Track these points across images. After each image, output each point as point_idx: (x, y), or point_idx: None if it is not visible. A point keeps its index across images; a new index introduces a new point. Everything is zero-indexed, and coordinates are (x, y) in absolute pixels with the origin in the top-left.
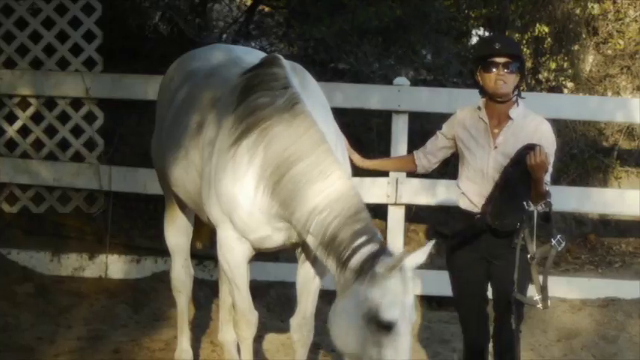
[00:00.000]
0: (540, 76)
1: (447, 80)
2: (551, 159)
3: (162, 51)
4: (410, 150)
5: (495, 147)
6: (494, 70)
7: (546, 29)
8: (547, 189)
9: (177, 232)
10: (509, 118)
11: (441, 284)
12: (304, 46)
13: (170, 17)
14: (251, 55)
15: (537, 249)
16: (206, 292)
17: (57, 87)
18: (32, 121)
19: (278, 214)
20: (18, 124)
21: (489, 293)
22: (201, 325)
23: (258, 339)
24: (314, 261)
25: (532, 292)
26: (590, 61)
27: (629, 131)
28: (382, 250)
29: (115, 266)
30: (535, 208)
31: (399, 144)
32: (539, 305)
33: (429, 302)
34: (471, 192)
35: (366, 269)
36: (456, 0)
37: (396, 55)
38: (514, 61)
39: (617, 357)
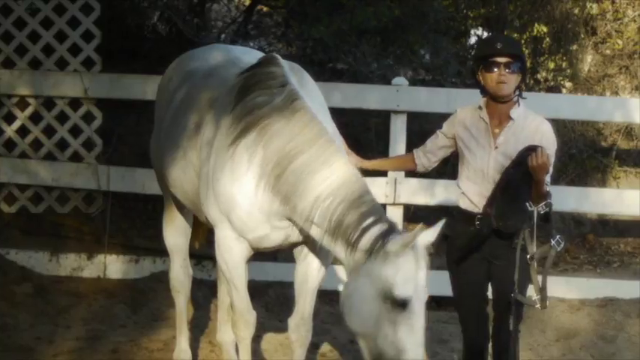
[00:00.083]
0: (539, 76)
1: (445, 80)
2: (552, 159)
3: (160, 51)
4: (409, 150)
5: (496, 147)
6: (495, 69)
7: (545, 29)
8: (547, 189)
9: (175, 232)
10: (510, 118)
11: (440, 284)
12: (303, 46)
13: (169, 17)
14: (249, 55)
15: (537, 249)
16: (204, 292)
17: (55, 87)
18: (31, 121)
19: (279, 211)
20: (17, 124)
21: (489, 293)
22: (200, 325)
23: (256, 339)
24: (315, 255)
25: (531, 292)
26: (588, 61)
27: (627, 131)
28: (391, 229)
29: (114, 266)
30: (536, 209)
31: (398, 144)
32: (538, 305)
33: (427, 302)
34: (471, 192)
35: (377, 248)
36: (454, 0)
37: (395, 55)
38: (515, 61)
39: (615, 357)
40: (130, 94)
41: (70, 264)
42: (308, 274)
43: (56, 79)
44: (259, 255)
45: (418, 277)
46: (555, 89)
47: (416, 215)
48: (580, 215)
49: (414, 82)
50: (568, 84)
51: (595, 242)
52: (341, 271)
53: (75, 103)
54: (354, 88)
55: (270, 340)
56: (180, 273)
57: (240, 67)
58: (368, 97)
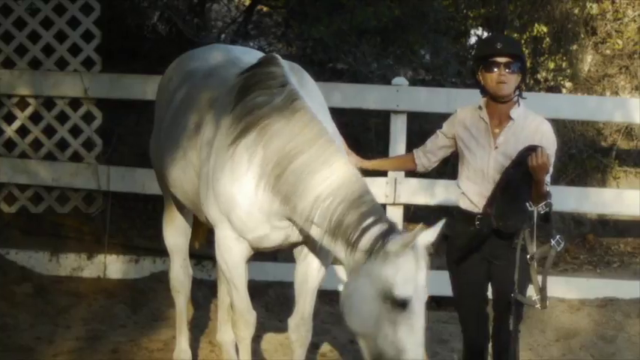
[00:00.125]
0: (539, 76)
1: (445, 80)
2: (552, 160)
3: (160, 51)
4: (408, 150)
5: (496, 147)
6: (495, 69)
7: (545, 29)
8: (547, 189)
9: (175, 232)
10: (510, 118)
11: (440, 284)
12: (303, 46)
13: (169, 17)
14: (249, 56)
15: (537, 249)
16: (204, 292)
17: (55, 87)
18: (31, 121)
19: (279, 211)
20: (17, 124)
21: (489, 293)
22: (200, 325)
23: (256, 339)
24: (315, 255)
25: (531, 292)
26: (588, 61)
27: (627, 131)
28: (391, 229)
29: (114, 266)
30: (536, 209)
31: (398, 144)
32: (538, 305)
33: (427, 302)
34: (471, 192)
35: (377, 248)
36: (454, 0)
37: (395, 55)
38: (515, 61)
39: (615, 357)
40: (130, 94)
41: (70, 264)
42: (308, 274)
43: (56, 79)
44: (259, 255)
45: (418, 277)
46: (555, 89)
47: (416, 215)
48: (580, 215)
49: (413, 82)
50: (568, 84)
51: (595, 242)
52: (341, 271)
53: (75, 103)
54: (354, 88)
55: (270, 340)
56: (181, 273)
57: (240, 67)
58: (368, 97)
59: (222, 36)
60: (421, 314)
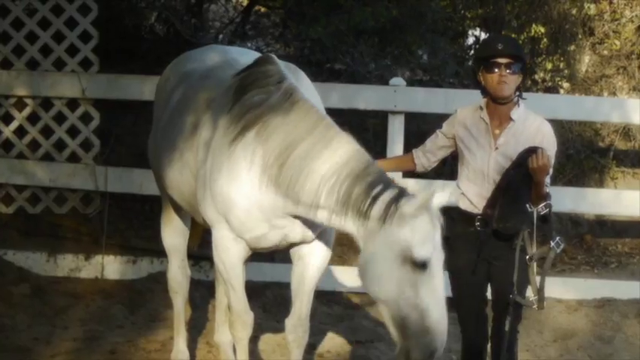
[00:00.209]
0: (536, 77)
1: (443, 81)
2: (553, 161)
3: (158, 51)
4: (406, 151)
5: (496, 148)
6: (496, 70)
7: (542, 30)
8: (547, 191)
9: (173, 233)
10: (510, 119)
11: None
12: (300, 46)
13: (166, 18)
14: (246, 56)
15: (536, 250)
16: (202, 292)
17: (53, 87)
18: (28, 122)
19: (280, 207)
20: (14, 125)
21: (488, 294)
22: (198, 325)
23: (253, 339)
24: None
25: (530, 293)
26: (586, 62)
27: (625, 132)
28: (402, 193)
29: (111, 267)
30: (536, 210)
31: (395, 144)
32: (535, 306)
33: None
34: (470, 192)
35: (391, 213)
36: (452, 0)
37: (393, 56)
38: (516, 61)
39: (613, 357)
40: (127, 94)
41: (68, 265)
42: (305, 275)
43: (54, 79)
44: (257, 256)
45: (435, 238)
46: (553, 90)
47: None
48: (577, 216)
49: (411, 83)
50: (566, 84)
51: (592, 243)
52: (339, 272)
53: (72, 103)
54: (352, 89)
55: (267, 340)
56: (178, 274)
57: (236, 68)
58: (365, 97)
59: (220, 36)
60: (441, 274)
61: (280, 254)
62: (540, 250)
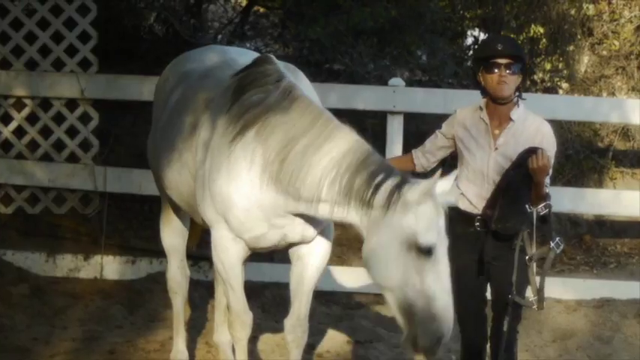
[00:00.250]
0: (535, 77)
1: (442, 81)
2: (552, 161)
3: (157, 52)
4: (405, 151)
5: (496, 148)
6: (496, 70)
7: (541, 30)
8: (547, 191)
9: (172, 233)
10: (510, 119)
11: None
12: (299, 47)
13: (165, 18)
14: (245, 57)
15: (536, 251)
16: (201, 292)
17: (52, 88)
18: (27, 122)
19: (281, 205)
20: (13, 125)
21: (488, 294)
22: (197, 325)
23: (253, 340)
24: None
25: (529, 293)
26: (585, 62)
27: (624, 132)
28: (405, 180)
29: (110, 267)
30: (535, 211)
31: (394, 145)
32: (535, 307)
33: None
34: (470, 193)
35: (394, 201)
36: (451, 1)
37: (391, 56)
38: (516, 62)
39: (612, 357)
40: (126, 94)
41: (67, 265)
42: (304, 275)
43: (53, 79)
44: (256, 256)
45: (440, 224)
46: (552, 90)
47: None
48: (577, 216)
49: (410, 83)
50: (565, 85)
51: (592, 243)
52: (338, 272)
53: (71, 103)
54: (351, 89)
55: (266, 340)
56: (178, 274)
57: (235, 68)
58: (364, 97)
59: (219, 37)
60: (446, 260)
61: (279, 254)
62: (540, 250)
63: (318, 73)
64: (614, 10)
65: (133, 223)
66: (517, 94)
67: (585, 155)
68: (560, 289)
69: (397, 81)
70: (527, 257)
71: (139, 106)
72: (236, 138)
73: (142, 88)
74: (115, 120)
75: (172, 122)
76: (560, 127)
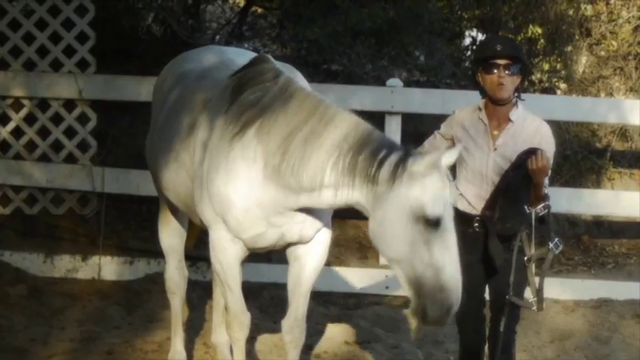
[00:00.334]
0: (533, 78)
1: (440, 81)
2: (551, 162)
3: (155, 52)
4: None
5: (495, 149)
6: (495, 71)
7: (539, 30)
8: (546, 192)
9: (171, 234)
10: (509, 120)
11: None
12: (297, 47)
13: (163, 18)
14: (243, 57)
15: (535, 251)
16: (199, 293)
17: (50, 88)
18: (25, 123)
19: (282, 199)
20: (11, 126)
21: (486, 295)
22: (195, 326)
23: (250, 340)
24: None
25: (528, 294)
26: (583, 63)
27: (622, 132)
28: (408, 154)
29: (108, 268)
30: (534, 211)
31: None
32: (534, 308)
33: None
34: (469, 194)
35: (399, 174)
36: (449, 1)
37: (389, 57)
38: (515, 62)
39: (610, 358)
40: (124, 95)
41: (65, 265)
42: (301, 275)
43: (51, 80)
44: (254, 256)
45: (446, 195)
46: (550, 91)
47: None
48: (574, 216)
49: (408, 84)
50: (563, 85)
51: (590, 243)
52: (336, 272)
53: (69, 104)
54: (349, 90)
55: (264, 341)
56: (176, 274)
57: (233, 68)
58: (362, 98)
59: (217, 37)
60: (453, 231)
61: (277, 255)
62: (539, 251)
63: (316, 74)
64: (612, 11)
65: (130, 224)
66: (516, 94)
67: (583, 156)
68: (558, 289)
69: (395, 81)
70: (525, 258)
71: (136, 107)
72: (236, 137)
73: (140, 89)
74: (112, 120)
75: (170, 123)
76: (558, 128)
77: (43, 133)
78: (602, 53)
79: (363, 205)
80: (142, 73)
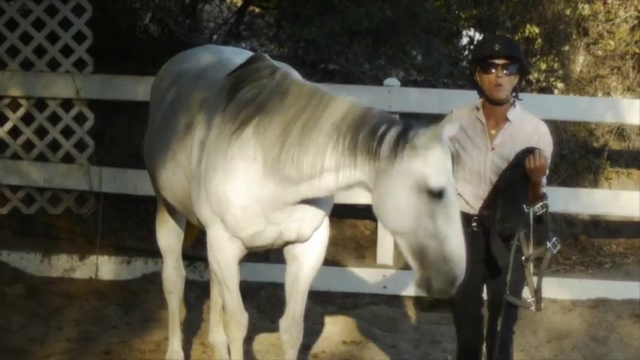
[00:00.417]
0: (531, 77)
1: (437, 81)
2: (549, 161)
3: (152, 52)
4: None
5: (492, 148)
6: (493, 71)
7: (537, 30)
8: (544, 191)
9: (168, 233)
10: (506, 119)
11: None
12: (295, 47)
13: (160, 18)
14: (240, 56)
15: (533, 251)
16: (197, 293)
17: (47, 88)
18: (23, 122)
19: (281, 193)
20: (8, 125)
21: (484, 294)
22: (192, 326)
23: (248, 340)
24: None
25: (526, 294)
26: (580, 62)
27: (619, 132)
28: (409, 127)
29: (106, 267)
30: (532, 210)
31: None
32: (533, 308)
33: (420, 303)
34: (467, 193)
35: (401, 148)
36: (446, 1)
37: (387, 56)
38: (513, 62)
39: (607, 357)
40: (121, 95)
41: (62, 265)
42: (299, 274)
43: (48, 80)
44: (251, 256)
45: (448, 167)
46: (547, 90)
47: None
48: (572, 216)
49: (405, 83)
50: (560, 85)
51: (587, 243)
52: (333, 272)
53: (67, 104)
54: (346, 89)
55: (262, 341)
56: (173, 274)
57: (230, 68)
58: (360, 97)
59: (214, 37)
60: (455, 202)
61: (275, 254)
62: (537, 250)
63: (314, 73)
64: (610, 10)
65: (128, 224)
66: (514, 94)
67: (580, 155)
68: (556, 289)
69: (392, 81)
70: (523, 258)
71: (134, 107)
72: (234, 135)
73: (138, 89)
74: (110, 120)
75: (167, 122)
76: (556, 127)
77: (41, 132)
78: (600, 53)
79: (365, 182)
80: (139, 73)
